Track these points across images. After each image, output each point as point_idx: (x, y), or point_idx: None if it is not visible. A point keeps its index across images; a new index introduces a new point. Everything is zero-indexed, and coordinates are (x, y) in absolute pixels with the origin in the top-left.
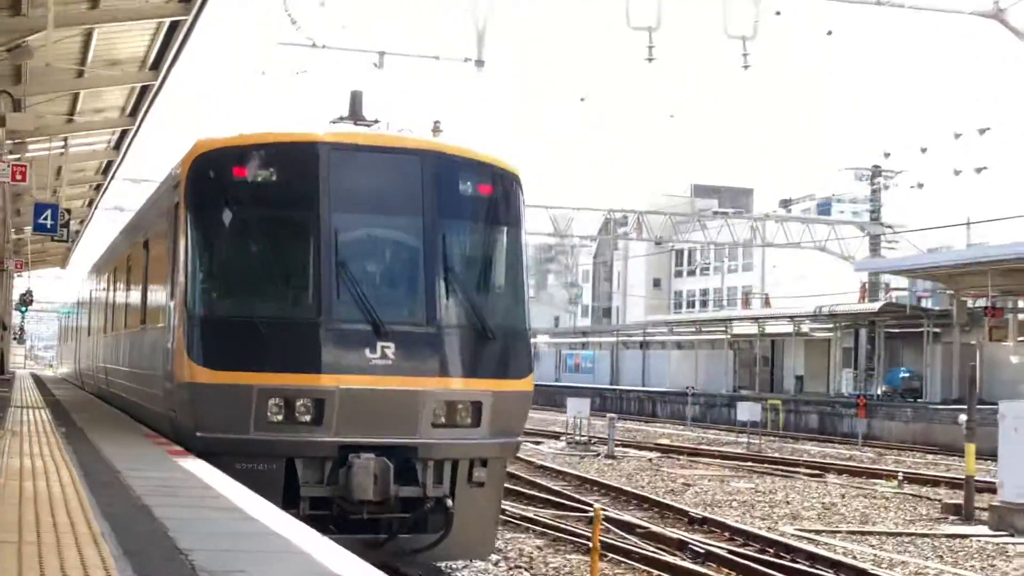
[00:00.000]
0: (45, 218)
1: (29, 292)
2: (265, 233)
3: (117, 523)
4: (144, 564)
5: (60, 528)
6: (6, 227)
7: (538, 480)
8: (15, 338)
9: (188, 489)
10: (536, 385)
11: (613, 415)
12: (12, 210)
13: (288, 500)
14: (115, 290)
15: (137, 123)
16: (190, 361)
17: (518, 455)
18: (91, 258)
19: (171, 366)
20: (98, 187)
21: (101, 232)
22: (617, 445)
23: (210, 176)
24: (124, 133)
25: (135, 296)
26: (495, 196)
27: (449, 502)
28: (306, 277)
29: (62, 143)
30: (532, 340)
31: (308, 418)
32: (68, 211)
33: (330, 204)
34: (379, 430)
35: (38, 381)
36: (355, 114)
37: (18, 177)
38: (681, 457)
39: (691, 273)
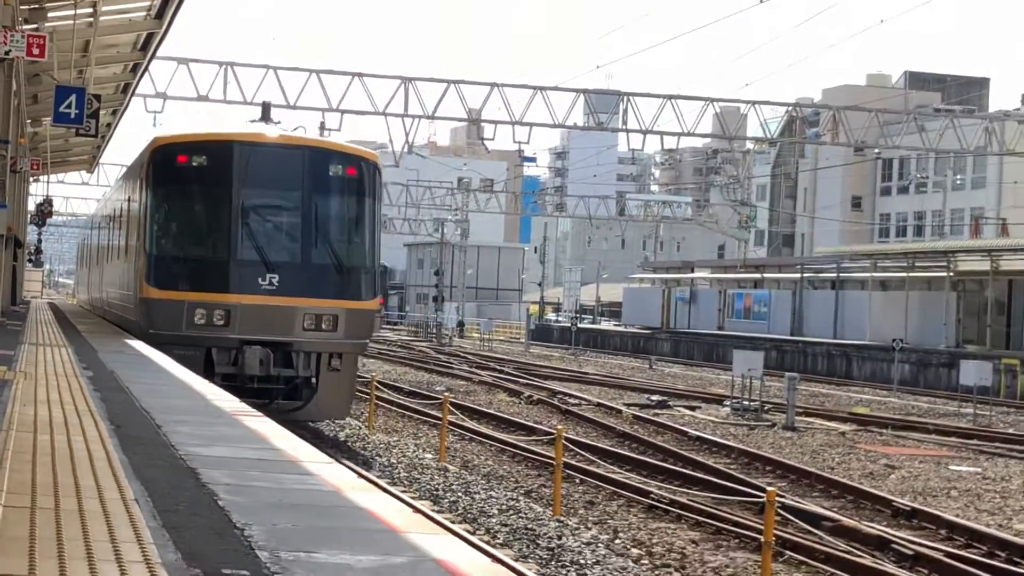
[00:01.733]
0: (68, 105)
1: (48, 201)
2: (197, 200)
3: (153, 489)
4: (190, 539)
5: (84, 491)
6: (20, 116)
7: (694, 456)
8: (30, 259)
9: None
10: (691, 333)
11: (794, 375)
12: (28, 95)
13: (207, 374)
14: (110, 232)
15: None
16: (146, 284)
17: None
18: (127, 158)
19: (136, 287)
20: (135, 68)
21: (138, 127)
22: (799, 413)
23: (162, 162)
24: None
25: (120, 239)
26: (355, 176)
27: (314, 380)
28: (222, 230)
29: (91, 9)
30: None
31: (221, 322)
32: (97, 97)
33: (239, 182)
34: (267, 331)
35: (58, 313)
36: (266, 118)
37: (35, 51)
38: (884, 431)
39: (902, 190)
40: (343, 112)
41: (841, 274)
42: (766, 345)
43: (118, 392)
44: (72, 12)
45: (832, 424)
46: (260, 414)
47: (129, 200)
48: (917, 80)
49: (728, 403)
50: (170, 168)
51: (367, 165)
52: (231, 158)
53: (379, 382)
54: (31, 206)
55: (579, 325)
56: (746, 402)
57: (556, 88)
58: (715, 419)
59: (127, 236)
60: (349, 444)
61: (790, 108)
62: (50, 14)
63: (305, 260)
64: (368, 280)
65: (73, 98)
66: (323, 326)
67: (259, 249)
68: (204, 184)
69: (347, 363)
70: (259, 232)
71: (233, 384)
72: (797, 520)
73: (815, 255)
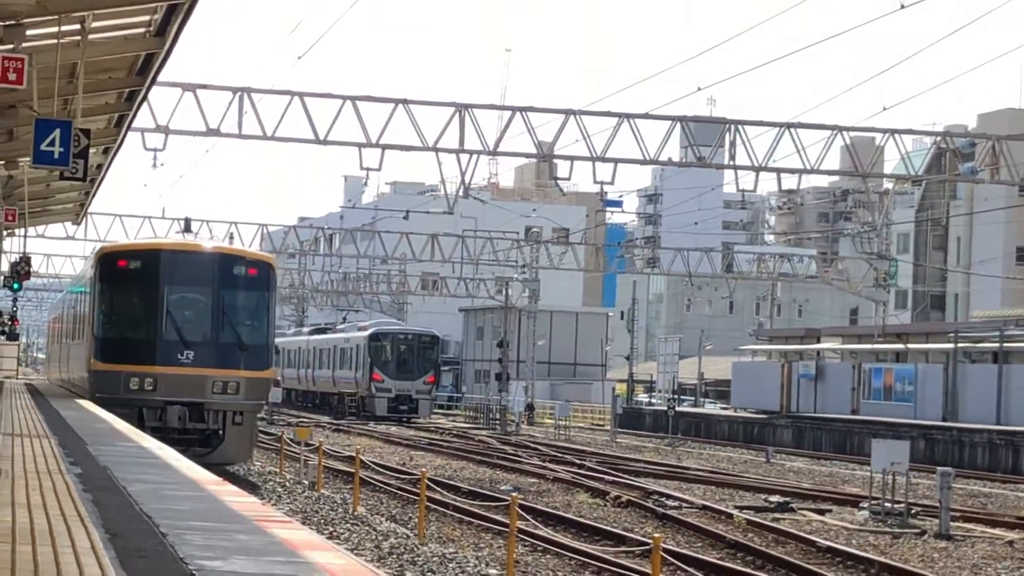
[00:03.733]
0: (51, 143)
1: (25, 260)
2: (132, 294)
3: None
4: None
5: None
6: None
7: (824, 572)
8: (2, 331)
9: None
10: (817, 419)
11: (948, 470)
12: (1, 130)
13: (140, 426)
14: (71, 317)
15: None
16: (93, 359)
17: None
18: (122, 206)
19: (87, 361)
20: (131, 96)
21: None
22: (955, 518)
23: (106, 265)
24: (173, 10)
25: (78, 323)
26: (255, 275)
27: (222, 432)
28: (151, 318)
29: (78, 26)
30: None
31: (149, 388)
32: (86, 133)
33: (164, 280)
34: (185, 394)
35: (37, 397)
36: (187, 230)
37: (11, 76)
38: None
39: None
40: (384, 147)
41: (1005, 344)
42: (912, 433)
43: (114, 493)
44: (56, 29)
45: (997, 531)
46: (288, 519)
47: (83, 293)
48: None
49: (866, 506)
50: (112, 269)
51: (264, 266)
52: (159, 262)
53: (431, 480)
54: (5, 266)
55: (677, 408)
56: (888, 504)
57: (647, 116)
58: (850, 526)
59: (81, 321)
60: (396, 555)
61: (938, 138)
62: (29, 32)
63: (214, 340)
64: (264, 355)
65: (57, 133)
66: (228, 391)
67: (179, 331)
68: (138, 282)
69: (248, 419)
70: (179, 319)
71: (158, 435)
72: None
73: (972, 320)
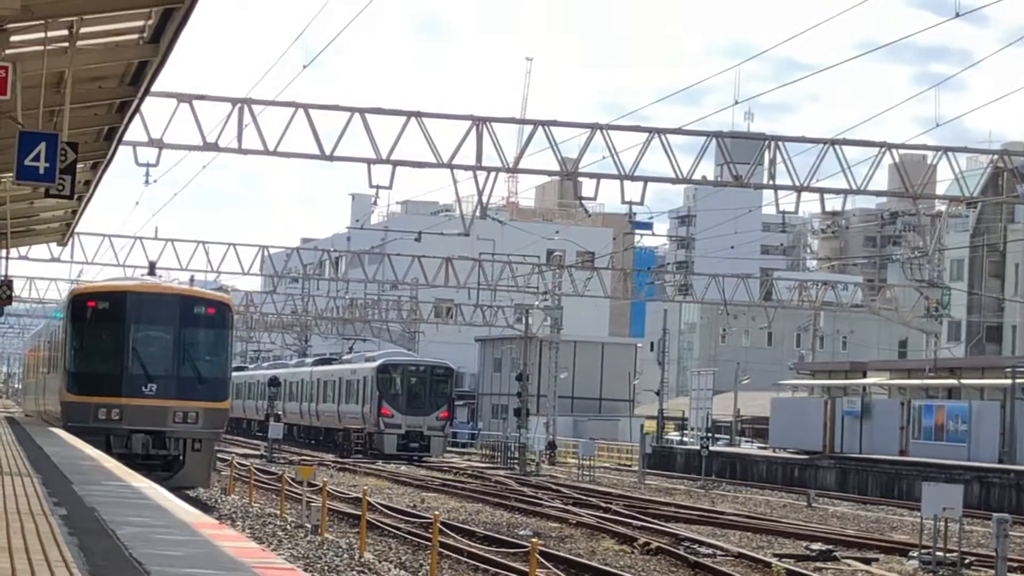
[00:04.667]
0: (36, 157)
1: (7, 283)
2: (101, 332)
3: None
4: None
5: None
6: None
7: None
8: None
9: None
10: (863, 460)
11: (1004, 516)
12: None
13: (108, 452)
14: (47, 351)
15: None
16: (65, 391)
17: None
18: (112, 226)
19: (59, 393)
20: (123, 107)
21: (127, 185)
22: (1012, 568)
23: (78, 305)
24: (169, 14)
25: (52, 357)
26: (213, 314)
27: (182, 458)
28: (117, 353)
29: (66, 32)
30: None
31: (116, 417)
32: (74, 147)
33: (130, 320)
34: (148, 423)
35: (18, 431)
36: (152, 272)
37: None
38: None
39: None
40: (395, 164)
41: None
42: (966, 476)
43: (102, 537)
44: (42, 35)
45: None
46: (290, 566)
47: (56, 330)
48: None
49: (915, 555)
50: (83, 310)
51: (222, 306)
52: (125, 303)
53: (444, 524)
54: None
55: (711, 448)
56: (940, 553)
57: (679, 131)
58: None
59: (54, 356)
60: None
61: (995, 156)
62: (13, 38)
63: (175, 374)
64: (221, 388)
65: (42, 147)
66: (188, 420)
67: (143, 366)
68: (106, 321)
69: (206, 446)
70: (143, 354)
71: (124, 460)
72: None
73: None
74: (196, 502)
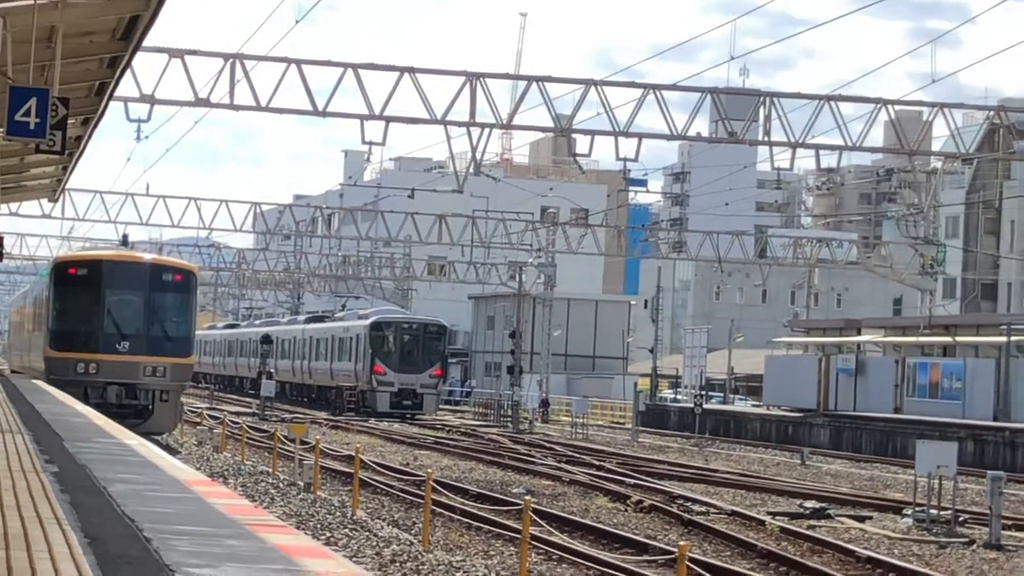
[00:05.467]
0: (26, 113)
1: None
2: (80, 296)
3: None
4: None
5: None
6: None
7: None
8: None
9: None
10: (857, 417)
11: (999, 474)
12: None
13: (85, 402)
14: (29, 311)
15: None
16: (48, 347)
17: None
18: (106, 183)
19: (44, 349)
20: (114, 63)
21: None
22: (1006, 526)
23: (60, 272)
24: None
25: (37, 317)
26: (180, 280)
27: (151, 407)
28: (95, 315)
29: None
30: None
31: (93, 371)
32: (64, 102)
33: (106, 284)
34: (121, 376)
35: (9, 388)
36: (125, 243)
37: None
38: None
39: None
40: (388, 120)
41: None
42: (960, 434)
43: (93, 494)
44: None
45: None
46: (282, 524)
47: (40, 294)
48: None
49: (909, 512)
50: (64, 276)
51: (187, 273)
52: (101, 270)
53: (436, 481)
54: None
55: (705, 406)
56: (934, 511)
57: (674, 87)
58: (892, 534)
59: (39, 316)
60: (399, 563)
61: (991, 112)
62: None
63: (146, 332)
64: (186, 345)
65: (33, 102)
66: (156, 374)
67: (117, 325)
68: (84, 286)
69: (173, 396)
70: (117, 315)
71: (100, 408)
72: None
73: None
74: (168, 448)
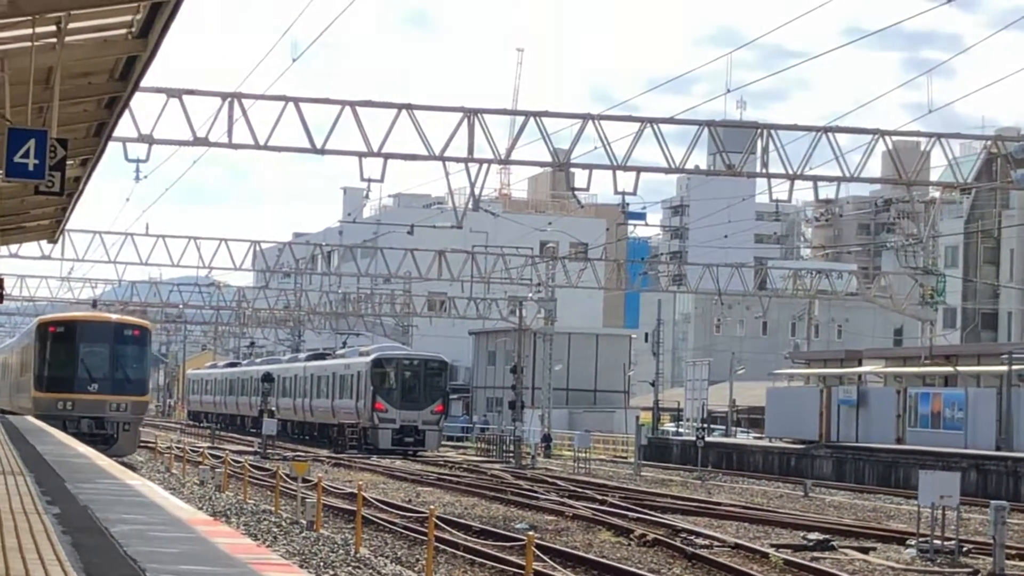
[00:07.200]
0: (25, 154)
1: None
2: (59, 349)
3: None
4: None
5: None
6: None
7: None
8: None
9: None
10: (860, 448)
11: (1002, 503)
12: None
13: (64, 431)
14: (17, 359)
15: None
16: (35, 389)
17: None
18: (104, 223)
19: (31, 391)
20: (112, 103)
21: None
22: (1010, 555)
23: (43, 330)
24: (157, 9)
25: (24, 364)
26: (138, 335)
27: (115, 436)
28: (72, 363)
29: (54, 27)
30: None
31: (70, 408)
32: (63, 143)
33: (79, 340)
34: (92, 412)
35: (10, 429)
36: (94, 306)
37: None
38: None
39: None
40: (386, 156)
41: None
42: (963, 464)
43: (95, 535)
44: (30, 31)
45: None
46: (286, 562)
47: (27, 346)
48: None
49: (913, 543)
50: (46, 332)
51: (144, 329)
52: (75, 328)
53: (439, 518)
54: None
55: (707, 439)
56: (937, 541)
57: (671, 120)
58: (896, 565)
59: (26, 363)
60: None
61: (989, 142)
62: (1, 34)
63: (111, 376)
64: (143, 386)
65: (32, 144)
66: (120, 409)
67: (88, 371)
68: (63, 341)
69: (133, 427)
70: (88, 363)
71: (76, 437)
72: None
73: None
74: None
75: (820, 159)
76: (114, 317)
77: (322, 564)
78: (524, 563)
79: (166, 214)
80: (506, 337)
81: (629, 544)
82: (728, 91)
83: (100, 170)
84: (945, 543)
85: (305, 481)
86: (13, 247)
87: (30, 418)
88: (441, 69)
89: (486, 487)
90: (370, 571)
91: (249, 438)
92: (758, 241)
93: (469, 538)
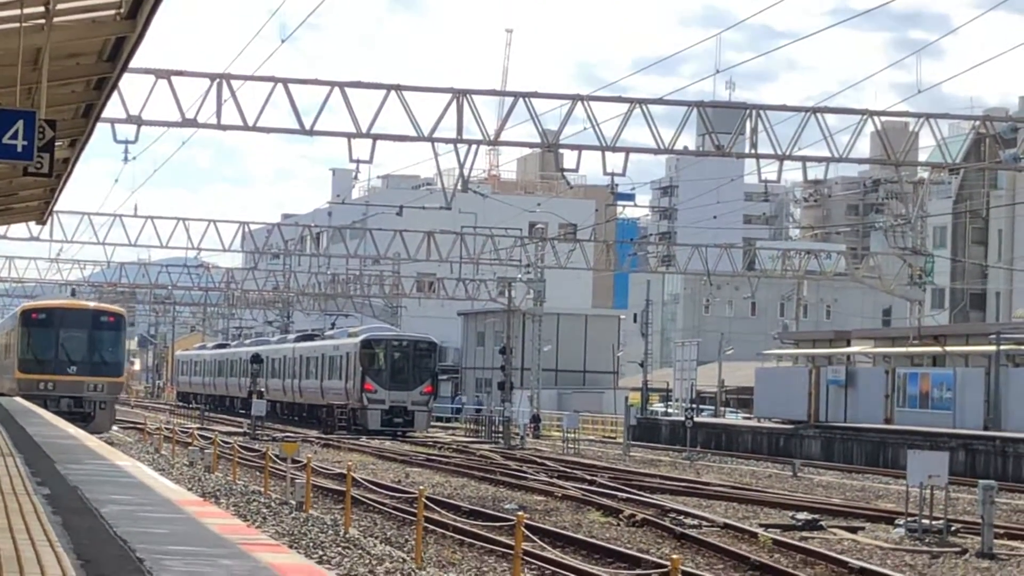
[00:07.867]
0: (14, 135)
1: None
2: (41, 334)
3: None
4: None
5: None
6: None
7: None
8: None
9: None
10: (848, 428)
11: (990, 483)
12: None
13: (45, 409)
14: (3, 344)
15: None
16: (18, 371)
17: None
18: (94, 205)
19: (14, 372)
20: (101, 84)
21: (105, 164)
22: (998, 535)
23: (26, 316)
24: None
25: (8, 349)
26: (113, 321)
27: (92, 414)
28: (51, 347)
29: (42, 8)
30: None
31: (51, 388)
32: (52, 124)
33: (59, 325)
34: (71, 391)
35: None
36: (74, 295)
37: None
38: None
39: None
40: (375, 138)
41: None
42: (951, 443)
43: (85, 515)
44: (18, 12)
45: None
46: (275, 543)
47: (11, 331)
48: None
49: (901, 523)
50: (29, 319)
51: (119, 315)
52: (55, 315)
53: (429, 498)
54: None
55: (696, 419)
56: (926, 521)
57: (660, 101)
58: (884, 544)
59: (10, 346)
60: None
61: (977, 123)
62: None
63: (89, 359)
64: (118, 367)
65: (20, 125)
66: (96, 389)
67: (68, 354)
68: (44, 327)
69: (109, 405)
70: (68, 347)
71: (57, 414)
72: None
73: (1015, 320)
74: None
75: (809, 140)
76: (91, 304)
77: (311, 544)
78: (513, 543)
79: (155, 195)
80: (495, 318)
81: (618, 524)
82: (717, 72)
83: (89, 151)
84: (934, 522)
85: (294, 462)
86: (1, 229)
87: (18, 399)
88: (430, 50)
89: (475, 467)
90: (359, 551)
91: (238, 419)
92: (747, 222)
93: (458, 518)
